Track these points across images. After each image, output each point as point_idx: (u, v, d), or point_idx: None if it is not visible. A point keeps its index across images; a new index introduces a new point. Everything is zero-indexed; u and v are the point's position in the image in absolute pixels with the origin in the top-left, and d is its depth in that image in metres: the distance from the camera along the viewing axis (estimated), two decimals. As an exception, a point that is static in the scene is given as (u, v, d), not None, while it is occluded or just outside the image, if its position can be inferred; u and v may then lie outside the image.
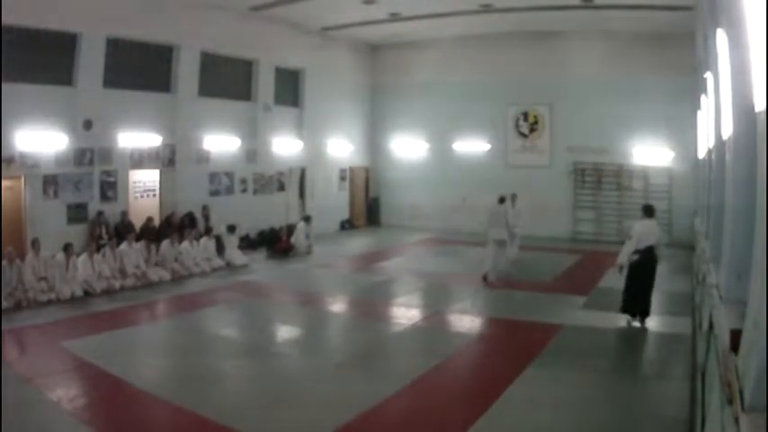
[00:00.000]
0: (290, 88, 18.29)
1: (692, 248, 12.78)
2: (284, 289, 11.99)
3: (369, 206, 21.67)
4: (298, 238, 15.46)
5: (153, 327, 9.51)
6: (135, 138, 13.39)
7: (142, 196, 14.16)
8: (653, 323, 8.82)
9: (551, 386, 6.59)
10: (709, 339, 4.45)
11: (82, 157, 12.37)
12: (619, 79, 17.15)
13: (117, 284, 11.05)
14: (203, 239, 13.46)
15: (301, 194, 18.69)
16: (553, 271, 13.40)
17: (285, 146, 17.76)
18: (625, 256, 8.55)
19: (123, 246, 11.64)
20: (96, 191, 12.66)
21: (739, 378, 2.22)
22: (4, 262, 9.77)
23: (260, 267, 13.85)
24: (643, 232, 8.58)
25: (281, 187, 17.86)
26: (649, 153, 17.28)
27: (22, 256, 10.33)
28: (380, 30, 18.58)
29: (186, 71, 14.63)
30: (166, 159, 14.30)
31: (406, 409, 6.12)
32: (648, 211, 8.91)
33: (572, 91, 18.01)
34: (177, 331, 9.10)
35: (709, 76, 7.46)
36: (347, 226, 20.57)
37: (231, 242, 14.15)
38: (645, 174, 17.43)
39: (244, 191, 16.52)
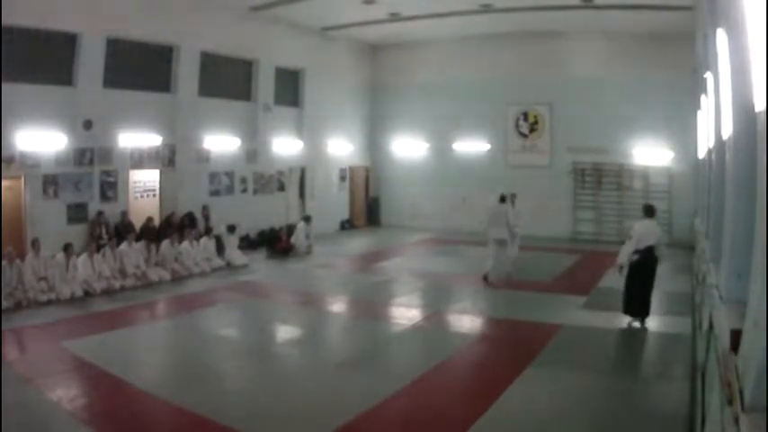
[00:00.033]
0: (290, 88, 18.29)
1: (692, 248, 12.78)
2: (284, 289, 11.99)
3: (369, 206, 21.67)
4: (298, 238, 15.47)
5: (153, 327, 9.50)
6: (135, 138, 13.39)
7: (142, 196, 14.16)
8: (653, 323, 8.81)
9: (551, 386, 6.59)
10: (709, 339, 4.46)
11: (82, 157, 12.37)
12: (619, 79, 17.15)
13: (117, 284, 11.05)
14: (203, 239, 13.47)
15: (301, 194, 18.69)
16: (553, 271, 13.40)
17: (285, 146, 17.76)
18: (625, 256, 8.55)
19: (123, 246, 11.64)
20: (96, 191, 12.66)
21: (739, 378, 2.22)
22: (4, 262, 9.77)
23: (260, 267, 13.85)
24: (643, 232, 8.58)
25: (281, 187, 17.86)
26: (649, 153, 17.28)
27: (22, 256, 10.33)
28: (380, 30, 18.58)
29: (186, 71, 14.63)
30: (166, 159, 14.30)
31: (406, 409, 6.12)
32: (649, 211, 8.90)
33: (572, 91, 18.00)
34: (177, 331, 9.11)
35: (709, 76, 7.46)
36: (347, 226, 20.57)
37: (231, 242, 14.15)
38: (645, 174, 17.43)
39: (244, 191, 16.53)
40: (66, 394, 6.25)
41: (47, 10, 11.31)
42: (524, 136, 19.17)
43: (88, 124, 12.37)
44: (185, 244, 12.81)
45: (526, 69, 18.56)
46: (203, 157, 15.28)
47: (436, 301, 10.85)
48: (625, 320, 8.86)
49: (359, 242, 18.05)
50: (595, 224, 18.12)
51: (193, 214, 14.52)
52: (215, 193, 15.65)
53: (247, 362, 7.68)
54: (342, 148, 20.21)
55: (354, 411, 5.77)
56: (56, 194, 11.93)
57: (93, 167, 12.60)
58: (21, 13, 10.74)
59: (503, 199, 12.12)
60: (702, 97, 10.30)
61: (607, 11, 15.14)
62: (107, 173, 12.87)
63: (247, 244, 15.51)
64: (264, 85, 17.03)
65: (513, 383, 6.56)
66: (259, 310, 10.32)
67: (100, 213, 12.51)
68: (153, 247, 12.19)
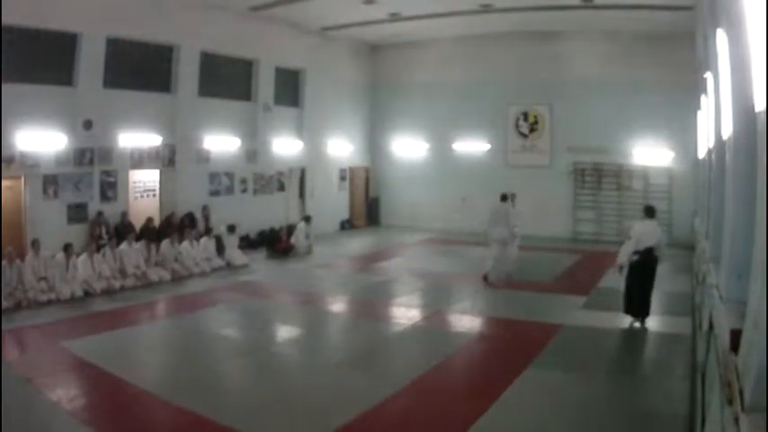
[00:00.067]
0: (290, 88, 18.29)
1: (692, 248, 12.78)
2: (284, 289, 11.98)
3: (369, 206, 21.67)
4: (298, 238, 15.47)
5: (153, 327, 9.50)
6: (135, 138, 13.39)
7: (142, 196, 14.16)
8: (653, 323, 8.82)
9: (551, 386, 6.59)
10: (709, 339, 4.46)
11: (82, 157, 12.37)
12: (619, 79, 17.14)
13: (117, 284, 11.05)
14: (203, 239, 13.47)
15: (301, 194, 18.69)
16: (553, 271, 13.40)
17: (285, 146, 17.76)
18: (624, 256, 8.54)
19: (123, 246, 11.64)
20: (96, 191, 12.66)
21: (739, 378, 2.22)
22: (4, 262, 9.77)
23: (260, 267, 13.85)
24: (643, 233, 8.57)
25: (281, 187, 17.86)
26: (649, 153, 17.27)
27: (22, 256, 10.33)
28: (380, 30, 18.58)
29: (186, 71, 14.63)
30: (166, 159, 14.30)
31: (406, 408, 6.12)
32: (649, 212, 8.90)
33: (572, 91, 18.01)
34: (177, 331, 9.10)
35: (709, 76, 7.46)
36: (347, 226, 20.57)
37: (231, 242, 14.15)
38: (645, 174, 17.42)
39: (244, 191, 16.53)
40: (66, 394, 6.25)
41: (47, 10, 11.30)
42: (524, 136, 19.17)
43: (88, 124, 12.37)
44: (185, 244, 12.81)
45: (526, 69, 18.56)
46: (203, 158, 15.28)
47: (436, 301, 10.85)
48: (626, 321, 8.86)
49: (359, 242, 18.04)
50: (595, 224, 18.11)
51: (193, 214, 14.52)
52: (215, 193, 15.65)
53: (247, 362, 7.68)
54: (342, 148, 20.21)
55: (354, 411, 5.77)
56: (56, 194, 11.93)
57: (93, 167, 12.60)
58: (21, 13, 10.74)
59: (504, 197, 12.12)
60: (702, 97, 10.31)
61: (607, 11, 15.13)
62: (107, 173, 12.87)
63: (247, 244, 15.51)
64: (264, 85, 17.03)
65: (512, 383, 6.56)
66: (259, 310, 10.31)
67: (100, 213, 12.51)
68: (153, 247, 12.19)
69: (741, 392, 2.11)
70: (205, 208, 14.87)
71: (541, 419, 5.76)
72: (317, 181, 19.07)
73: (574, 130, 18.13)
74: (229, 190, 16.08)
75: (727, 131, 4.01)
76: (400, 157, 21.17)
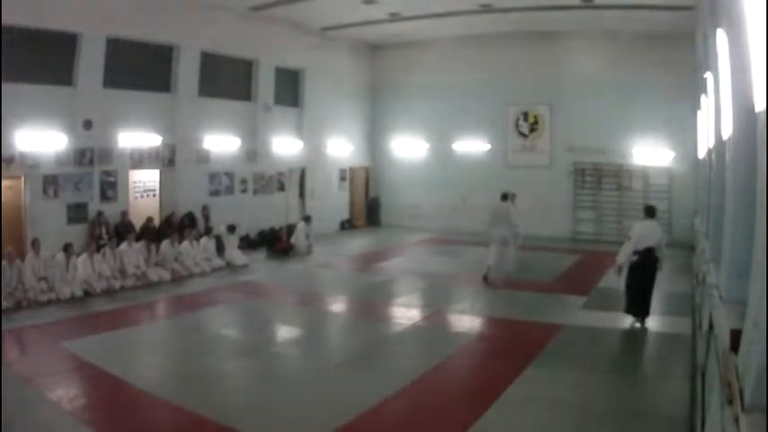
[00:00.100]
0: (290, 88, 18.29)
1: (692, 248, 12.78)
2: (284, 289, 11.99)
3: (369, 206, 21.67)
4: (298, 238, 15.47)
5: (153, 327, 9.51)
6: (135, 138, 13.39)
7: (142, 196, 14.16)
8: (653, 323, 8.81)
9: (551, 386, 6.59)
10: (709, 339, 4.46)
11: (82, 157, 12.37)
12: (619, 79, 17.14)
13: (117, 284, 11.05)
14: (203, 239, 13.46)
15: (301, 194, 18.69)
16: (553, 271, 13.40)
17: (285, 146, 17.76)
18: (624, 256, 8.54)
19: (123, 246, 11.64)
20: (96, 191, 12.66)
21: (739, 378, 2.22)
22: (4, 262, 9.77)
23: (260, 267, 13.85)
24: (642, 233, 8.56)
25: (281, 187, 17.85)
26: (649, 153, 17.27)
27: (22, 256, 10.33)
28: (380, 30, 18.58)
29: (186, 71, 14.63)
30: (166, 159, 14.30)
31: (406, 409, 6.12)
32: (650, 212, 8.89)
33: (572, 91, 18.01)
34: (177, 331, 9.11)
35: (709, 76, 7.47)
36: (347, 226, 20.57)
37: (231, 242, 14.15)
38: (645, 174, 17.42)
39: (244, 191, 16.52)
40: (66, 394, 6.25)
41: (47, 10, 11.31)
42: (524, 136, 19.17)
43: (88, 124, 12.37)
44: (185, 244, 12.81)
45: (526, 69, 18.55)
46: (203, 158, 15.28)
47: (436, 301, 10.85)
48: (626, 321, 8.86)
49: (359, 242, 18.04)
50: (595, 224, 18.11)
51: (193, 214, 14.52)
52: (215, 193, 15.65)
53: (247, 362, 7.68)
54: (342, 148, 20.20)
55: (354, 411, 5.77)
56: (56, 194, 11.93)
57: (93, 167, 12.60)
58: (21, 13, 10.74)
59: (505, 196, 12.11)
60: (702, 97, 10.31)
61: (607, 11, 15.13)
62: (107, 173, 12.87)
63: (247, 244, 15.50)
64: (264, 85, 17.03)
65: (513, 383, 6.55)
66: (259, 310, 10.32)
67: (100, 213, 12.51)
68: (153, 247, 12.18)
69: (741, 392, 2.11)
70: (205, 208, 14.87)
71: (541, 419, 5.76)
72: (316, 181, 19.07)
73: (574, 130, 18.12)
74: (229, 190, 16.08)
75: (727, 131, 4.01)
76: (400, 157, 21.17)
